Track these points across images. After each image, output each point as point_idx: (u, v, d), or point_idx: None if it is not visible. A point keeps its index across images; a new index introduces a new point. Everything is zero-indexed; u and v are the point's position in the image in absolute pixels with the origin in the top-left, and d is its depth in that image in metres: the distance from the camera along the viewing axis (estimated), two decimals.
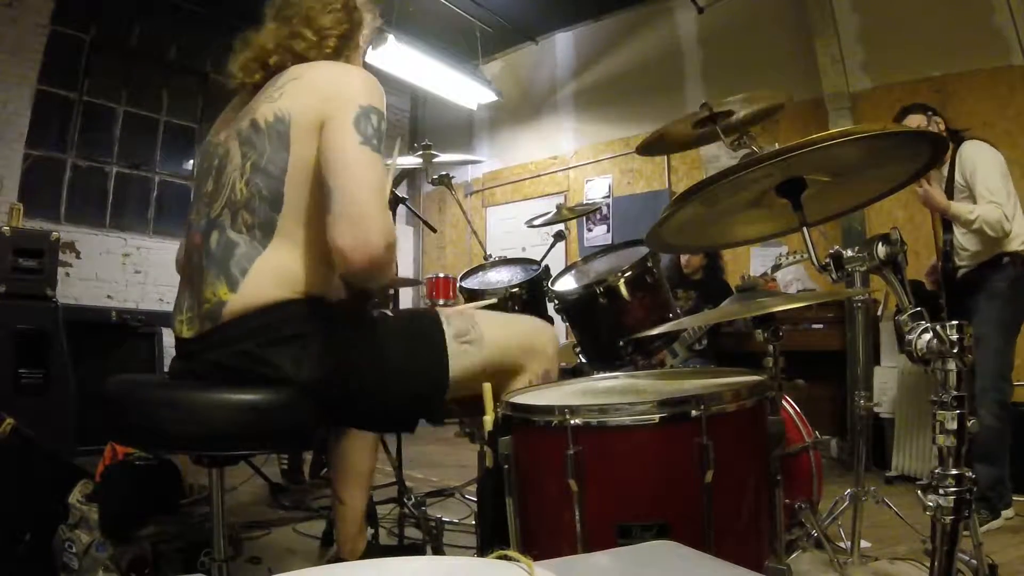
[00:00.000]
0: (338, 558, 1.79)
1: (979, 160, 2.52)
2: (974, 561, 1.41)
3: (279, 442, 1.33)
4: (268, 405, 1.11)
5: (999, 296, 2.50)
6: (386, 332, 1.27)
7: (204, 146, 1.31)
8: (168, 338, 3.72)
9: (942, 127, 2.63)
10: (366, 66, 1.39)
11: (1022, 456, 2.71)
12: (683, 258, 3.76)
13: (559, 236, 2.68)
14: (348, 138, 1.11)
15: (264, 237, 1.15)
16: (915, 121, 2.61)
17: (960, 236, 2.63)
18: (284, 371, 1.12)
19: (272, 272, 1.15)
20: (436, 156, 2.54)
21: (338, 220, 1.08)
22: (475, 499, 2.36)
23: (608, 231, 5.52)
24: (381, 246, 1.07)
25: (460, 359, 1.26)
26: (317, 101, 1.15)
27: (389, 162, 1.26)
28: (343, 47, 1.31)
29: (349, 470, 1.77)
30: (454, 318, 1.31)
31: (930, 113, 2.63)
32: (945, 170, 2.61)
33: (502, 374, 1.31)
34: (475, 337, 1.28)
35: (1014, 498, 2.53)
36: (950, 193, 2.57)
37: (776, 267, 3.19)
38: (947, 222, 2.66)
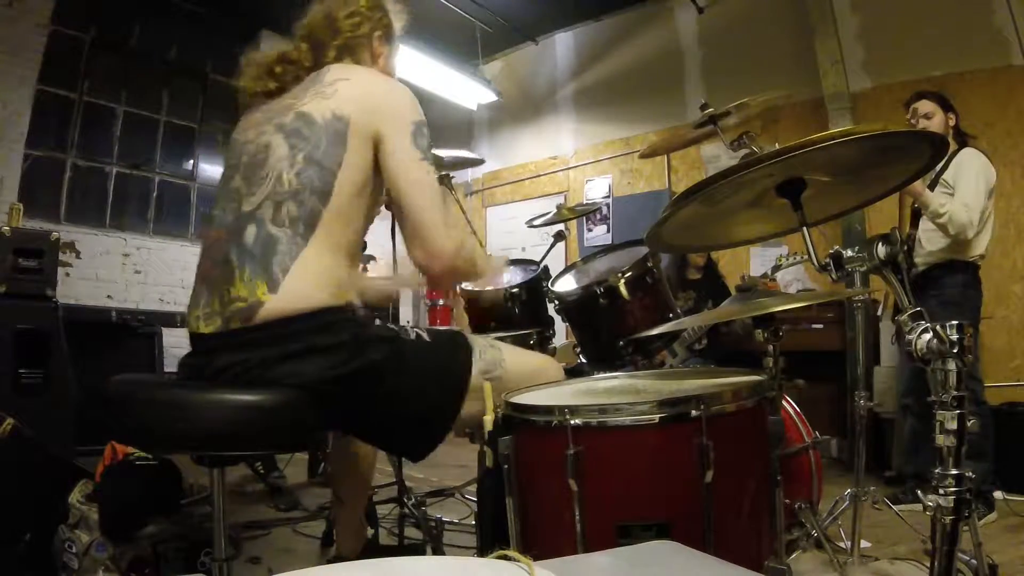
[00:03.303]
0: (338, 558, 1.79)
1: (970, 169, 2.59)
2: (974, 561, 1.41)
3: (279, 442, 1.33)
4: (268, 406, 1.10)
5: (951, 302, 2.58)
6: (416, 351, 1.26)
7: (231, 145, 1.33)
8: (168, 338, 3.72)
9: (952, 123, 2.65)
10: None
11: (1019, 455, 2.73)
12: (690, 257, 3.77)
13: (559, 236, 2.68)
14: (410, 156, 1.21)
15: (306, 231, 1.15)
16: (925, 107, 2.65)
17: (922, 234, 2.69)
18: (303, 377, 1.12)
19: (313, 274, 1.15)
20: (436, 156, 2.53)
21: (411, 238, 1.22)
22: (475, 499, 2.36)
23: (608, 231, 5.52)
24: (449, 254, 1.21)
25: (478, 393, 1.25)
26: (373, 112, 1.21)
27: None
28: (343, 55, 1.35)
29: (349, 469, 1.77)
30: (486, 350, 1.33)
31: (949, 113, 2.66)
32: (939, 165, 2.64)
33: None
34: (500, 374, 1.30)
35: (1014, 498, 2.54)
36: (933, 188, 2.62)
37: (776, 268, 3.20)
38: (916, 217, 2.71)
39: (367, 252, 2.27)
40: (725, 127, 1.89)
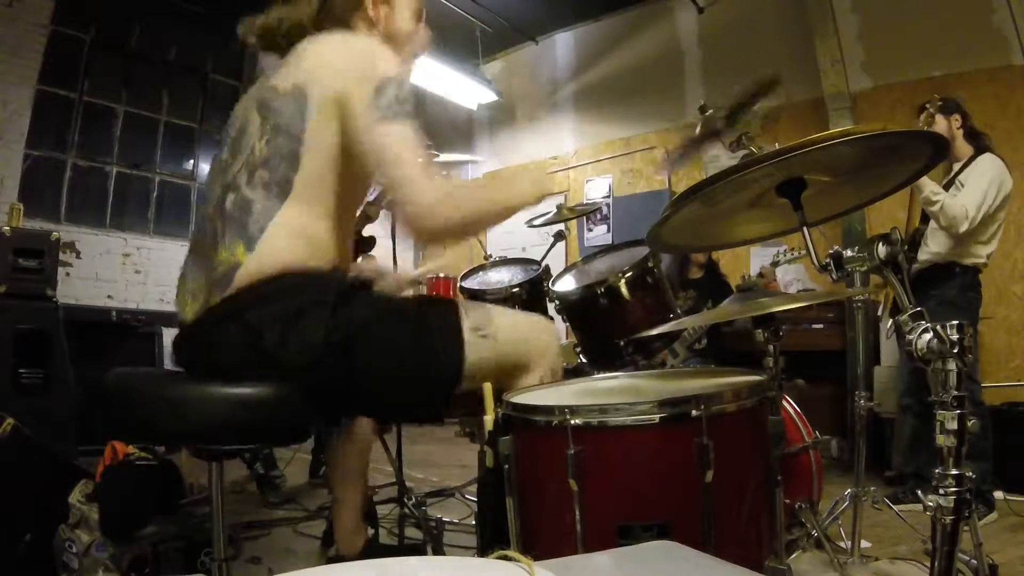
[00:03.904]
0: (338, 558, 1.79)
1: (982, 173, 2.57)
2: (974, 561, 1.41)
3: (276, 436, 1.32)
4: (265, 399, 1.10)
5: (950, 303, 2.57)
6: (401, 314, 1.24)
7: (228, 121, 1.31)
8: (168, 338, 3.72)
9: (958, 125, 2.64)
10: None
11: (1019, 455, 2.73)
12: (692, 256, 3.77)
13: (559, 236, 2.68)
14: (370, 117, 1.14)
15: (280, 193, 1.15)
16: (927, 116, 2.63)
17: (929, 232, 2.69)
18: (288, 355, 1.10)
19: (289, 232, 1.14)
20: (436, 156, 2.54)
21: (392, 202, 1.16)
22: (475, 499, 2.36)
23: (608, 231, 5.52)
24: (430, 207, 1.12)
25: (476, 349, 1.22)
26: (333, 76, 1.17)
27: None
28: (325, 20, 1.31)
29: (345, 468, 1.77)
30: (472, 309, 1.28)
31: (953, 116, 2.64)
32: (956, 166, 2.63)
33: (513, 369, 1.28)
34: (491, 332, 1.24)
35: (1014, 498, 2.54)
36: (947, 188, 2.61)
37: (775, 264, 3.19)
38: (925, 214, 2.70)
39: (371, 252, 2.28)
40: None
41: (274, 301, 1.12)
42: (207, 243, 1.20)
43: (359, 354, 1.15)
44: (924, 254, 2.70)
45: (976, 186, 2.54)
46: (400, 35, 1.40)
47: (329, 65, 1.20)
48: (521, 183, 1.33)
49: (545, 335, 1.36)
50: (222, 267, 1.14)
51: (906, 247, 2.73)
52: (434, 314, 1.25)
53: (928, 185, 2.53)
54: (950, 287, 2.61)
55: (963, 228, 2.51)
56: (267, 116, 1.19)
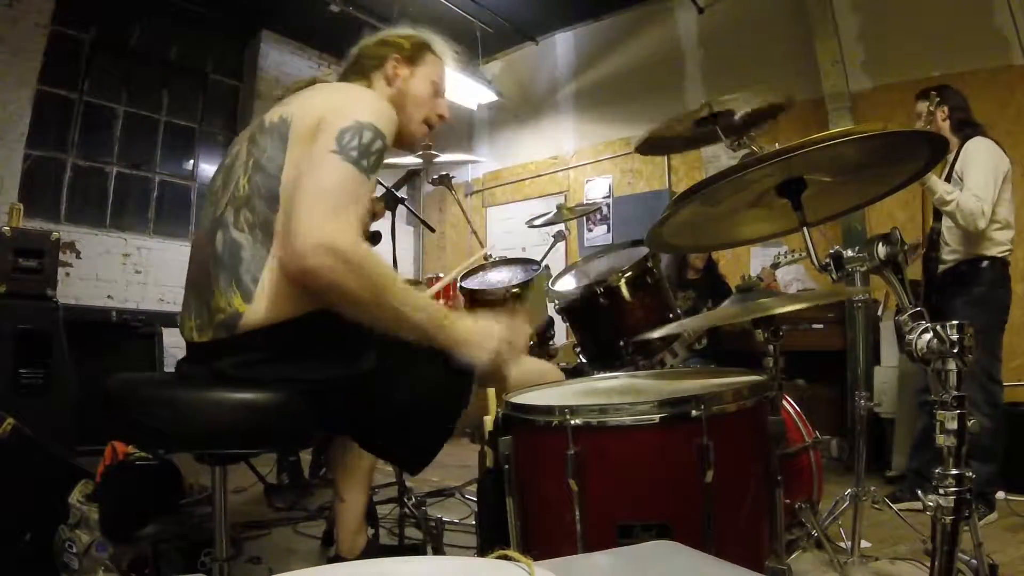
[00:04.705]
0: (338, 558, 1.79)
1: (977, 158, 2.51)
2: (974, 561, 1.41)
3: (279, 442, 1.33)
4: (268, 405, 1.10)
5: (977, 301, 2.50)
6: (414, 357, 1.19)
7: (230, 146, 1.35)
8: (169, 338, 3.71)
9: (944, 114, 2.58)
10: None
11: (1020, 455, 2.73)
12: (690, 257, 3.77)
13: (559, 236, 2.69)
14: (324, 144, 1.10)
15: (265, 238, 1.14)
16: (919, 108, 2.60)
17: (946, 230, 2.63)
18: (304, 378, 1.12)
19: (282, 278, 1.11)
20: (436, 156, 2.54)
21: (283, 230, 1.08)
22: (475, 499, 2.35)
23: (608, 231, 5.52)
24: (305, 248, 1.01)
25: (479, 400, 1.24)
26: (319, 109, 1.17)
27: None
28: (352, 77, 1.38)
29: (348, 468, 1.77)
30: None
31: (932, 94, 2.58)
32: (951, 158, 2.59)
33: None
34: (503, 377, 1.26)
35: (1015, 498, 2.54)
36: (947, 182, 2.57)
37: (776, 265, 3.19)
38: (937, 212, 2.66)
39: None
40: (725, 127, 1.89)
41: (281, 345, 1.12)
42: (202, 278, 1.19)
43: (362, 397, 1.17)
44: (948, 253, 2.62)
45: (977, 175, 2.48)
46: (414, 98, 1.42)
47: (321, 101, 1.21)
48: (453, 327, 1.14)
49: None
50: (222, 315, 1.13)
51: (926, 248, 2.71)
52: (449, 364, 1.18)
53: (940, 186, 2.47)
54: (977, 284, 2.52)
55: (982, 223, 2.43)
56: (252, 151, 1.20)
